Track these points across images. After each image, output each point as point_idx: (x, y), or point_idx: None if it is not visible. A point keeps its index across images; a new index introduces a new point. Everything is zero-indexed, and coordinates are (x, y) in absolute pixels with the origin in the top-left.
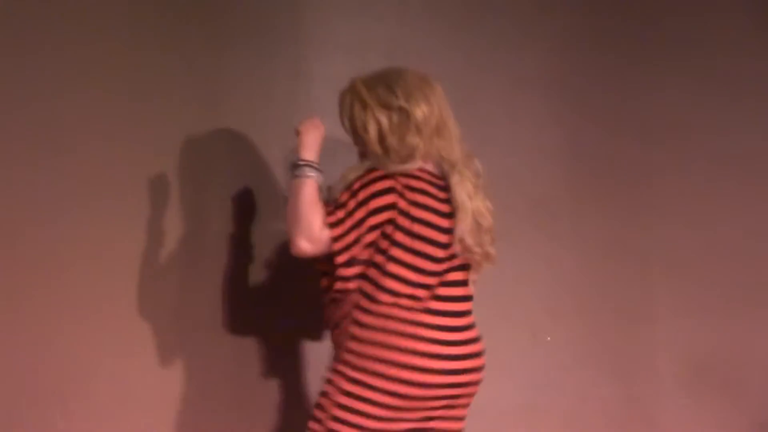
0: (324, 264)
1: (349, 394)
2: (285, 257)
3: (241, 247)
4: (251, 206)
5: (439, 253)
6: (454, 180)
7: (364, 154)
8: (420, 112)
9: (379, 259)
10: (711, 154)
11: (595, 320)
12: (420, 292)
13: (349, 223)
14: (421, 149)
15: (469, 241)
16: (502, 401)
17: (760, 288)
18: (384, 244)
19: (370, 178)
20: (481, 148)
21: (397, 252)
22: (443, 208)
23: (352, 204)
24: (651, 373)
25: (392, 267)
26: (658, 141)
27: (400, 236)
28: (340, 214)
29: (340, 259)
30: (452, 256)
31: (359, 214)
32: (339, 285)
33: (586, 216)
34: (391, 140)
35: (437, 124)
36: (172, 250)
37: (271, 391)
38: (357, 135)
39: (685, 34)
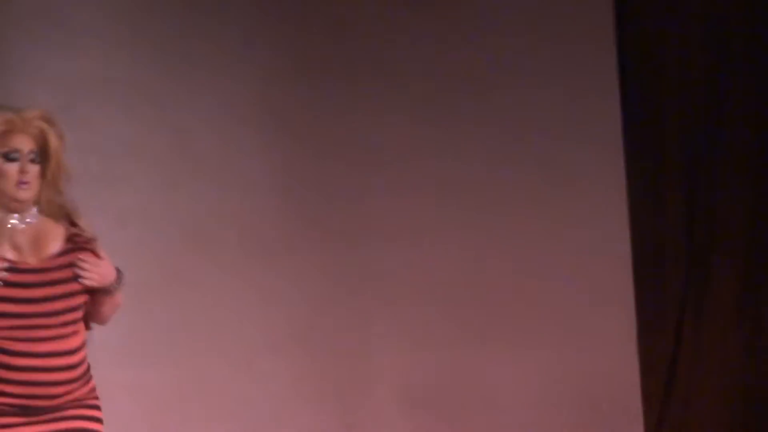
0: None
1: None
2: None
3: None
4: None
5: None
6: None
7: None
8: None
9: None
10: (429, 180)
11: (314, 351)
12: None
13: None
14: None
15: None
16: None
17: (479, 320)
18: None
19: None
20: (193, 177)
21: None
22: None
23: None
24: (369, 403)
25: None
26: (373, 167)
27: None
28: None
29: None
30: None
31: None
32: None
33: (301, 245)
34: None
35: None
36: None
37: None
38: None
39: (401, 59)
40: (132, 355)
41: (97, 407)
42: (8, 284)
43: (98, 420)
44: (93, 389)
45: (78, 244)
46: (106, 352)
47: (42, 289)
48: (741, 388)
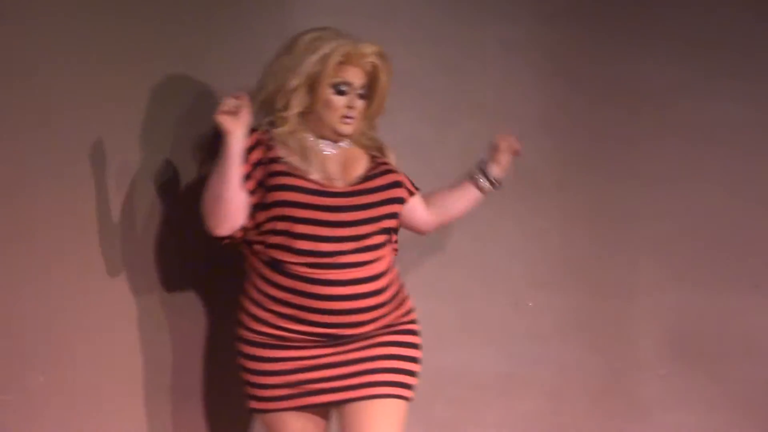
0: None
1: None
2: None
3: None
4: None
5: None
6: None
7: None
8: None
9: None
10: (698, 124)
11: (578, 291)
12: None
13: None
14: None
15: None
16: (482, 369)
17: (742, 262)
18: None
19: None
20: (468, 114)
21: None
22: None
23: None
24: (631, 345)
25: None
26: (645, 111)
27: None
28: None
29: None
30: None
31: None
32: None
33: (570, 186)
34: None
35: None
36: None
37: None
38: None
39: (674, 4)
40: None
41: (412, 332)
42: (316, 207)
43: (412, 345)
44: (407, 312)
45: (383, 165)
46: None
47: (349, 213)
48: None
